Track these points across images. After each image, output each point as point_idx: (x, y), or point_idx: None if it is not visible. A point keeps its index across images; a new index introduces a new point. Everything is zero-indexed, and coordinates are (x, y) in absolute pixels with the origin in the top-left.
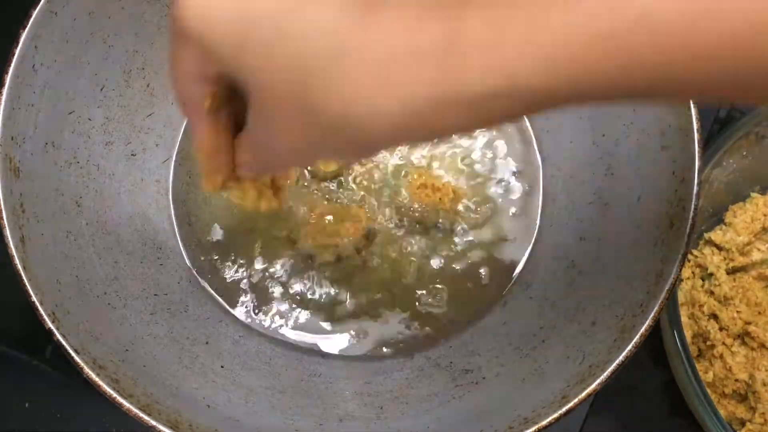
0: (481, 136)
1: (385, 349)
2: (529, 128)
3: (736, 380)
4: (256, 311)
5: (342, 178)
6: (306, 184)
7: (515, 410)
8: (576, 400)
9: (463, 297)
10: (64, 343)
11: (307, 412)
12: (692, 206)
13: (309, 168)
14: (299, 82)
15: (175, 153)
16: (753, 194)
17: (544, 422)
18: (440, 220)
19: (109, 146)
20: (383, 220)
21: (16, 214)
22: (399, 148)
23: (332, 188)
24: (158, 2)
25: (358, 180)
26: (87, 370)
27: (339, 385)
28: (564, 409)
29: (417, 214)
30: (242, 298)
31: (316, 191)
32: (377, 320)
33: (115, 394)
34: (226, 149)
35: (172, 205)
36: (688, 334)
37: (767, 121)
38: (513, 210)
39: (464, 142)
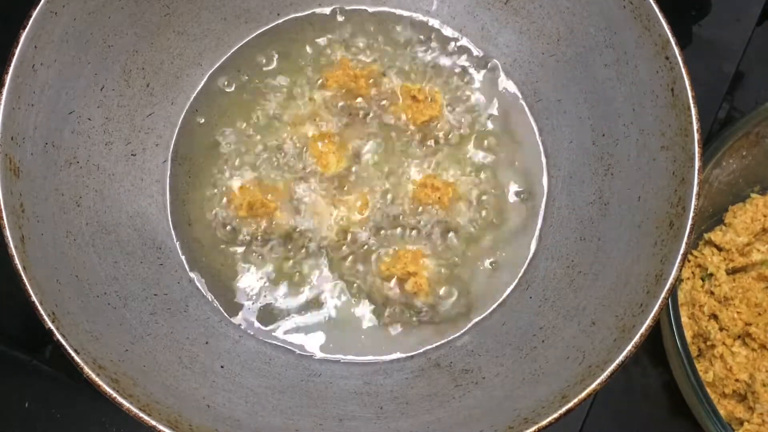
0: (482, 136)
1: (385, 349)
2: (533, 127)
3: (736, 380)
4: (256, 313)
5: (344, 178)
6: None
7: (515, 410)
8: (576, 400)
9: (463, 297)
10: (64, 343)
11: (307, 412)
12: (692, 206)
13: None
14: None
15: (174, 153)
16: (753, 195)
17: (544, 422)
18: (440, 220)
19: (109, 146)
20: (381, 217)
21: (16, 214)
22: (397, 149)
23: (335, 186)
24: (158, 2)
25: (360, 177)
26: (87, 370)
27: (339, 385)
28: (564, 409)
29: (416, 214)
30: (242, 299)
31: (320, 189)
32: (377, 319)
33: (115, 394)
34: None
35: (171, 206)
36: (688, 335)
37: (767, 121)
38: (513, 210)
39: (465, 141)
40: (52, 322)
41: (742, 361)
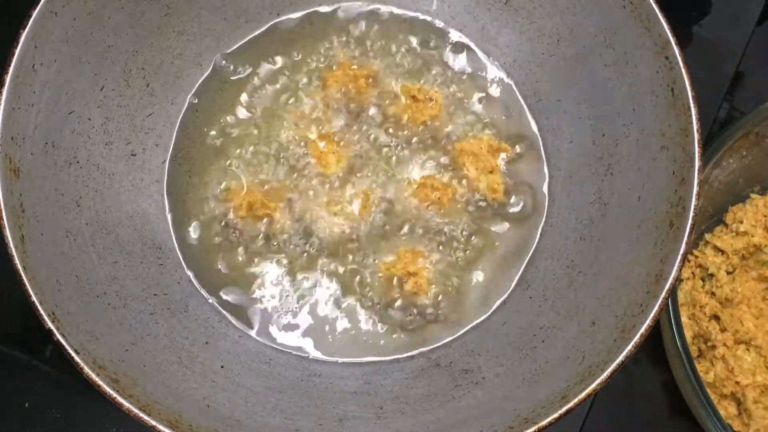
0: (482, 136)
1: (385, 349)
2: (533, 127)
3: (737, 382)
4: (256, 313)
5: (344, 178)
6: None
7: (515, 410)
8: (576, 400)
9: (463, 297)
10: (64, 343)
11: (307, 412)
12: (692, 206)
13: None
14: None
15: (174, 153)
16: (753, 195)
17: (544, 422)
18: (439, 220)
19: (109, 146)
20: (381, 217)
21: (16, 214)
22: (397, 149)
23: (334, 186)
24: (158, 2)
25: (360, 177)
26: (87, 370)
27: (339, 385)
28: (564, 409)
29: (416, 214)
30: (241, 299)
31: (320, 189)
32: (377, 319)
33: (115, 394)
34: None
35: (171, 206)
36: (688, 335)
37: (767, 121)
38: (513, 210)
39: (464, 141)
40: (52, 322)
41: (743, 363)
